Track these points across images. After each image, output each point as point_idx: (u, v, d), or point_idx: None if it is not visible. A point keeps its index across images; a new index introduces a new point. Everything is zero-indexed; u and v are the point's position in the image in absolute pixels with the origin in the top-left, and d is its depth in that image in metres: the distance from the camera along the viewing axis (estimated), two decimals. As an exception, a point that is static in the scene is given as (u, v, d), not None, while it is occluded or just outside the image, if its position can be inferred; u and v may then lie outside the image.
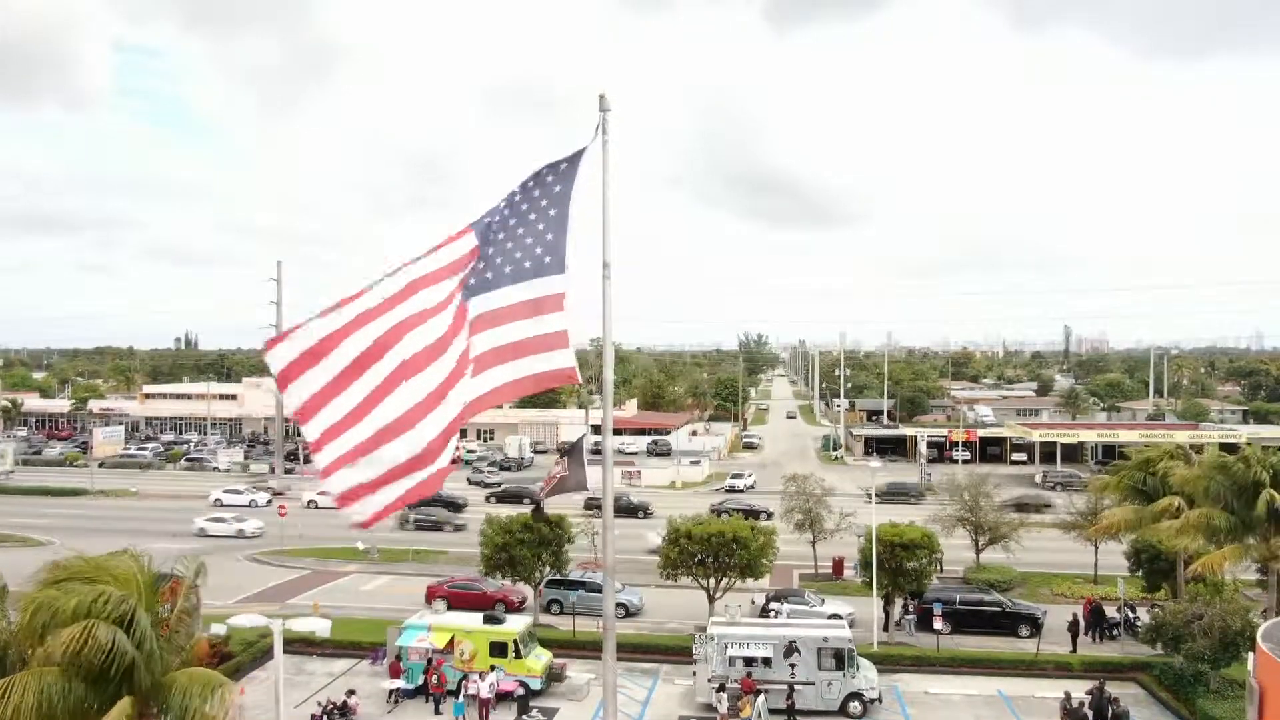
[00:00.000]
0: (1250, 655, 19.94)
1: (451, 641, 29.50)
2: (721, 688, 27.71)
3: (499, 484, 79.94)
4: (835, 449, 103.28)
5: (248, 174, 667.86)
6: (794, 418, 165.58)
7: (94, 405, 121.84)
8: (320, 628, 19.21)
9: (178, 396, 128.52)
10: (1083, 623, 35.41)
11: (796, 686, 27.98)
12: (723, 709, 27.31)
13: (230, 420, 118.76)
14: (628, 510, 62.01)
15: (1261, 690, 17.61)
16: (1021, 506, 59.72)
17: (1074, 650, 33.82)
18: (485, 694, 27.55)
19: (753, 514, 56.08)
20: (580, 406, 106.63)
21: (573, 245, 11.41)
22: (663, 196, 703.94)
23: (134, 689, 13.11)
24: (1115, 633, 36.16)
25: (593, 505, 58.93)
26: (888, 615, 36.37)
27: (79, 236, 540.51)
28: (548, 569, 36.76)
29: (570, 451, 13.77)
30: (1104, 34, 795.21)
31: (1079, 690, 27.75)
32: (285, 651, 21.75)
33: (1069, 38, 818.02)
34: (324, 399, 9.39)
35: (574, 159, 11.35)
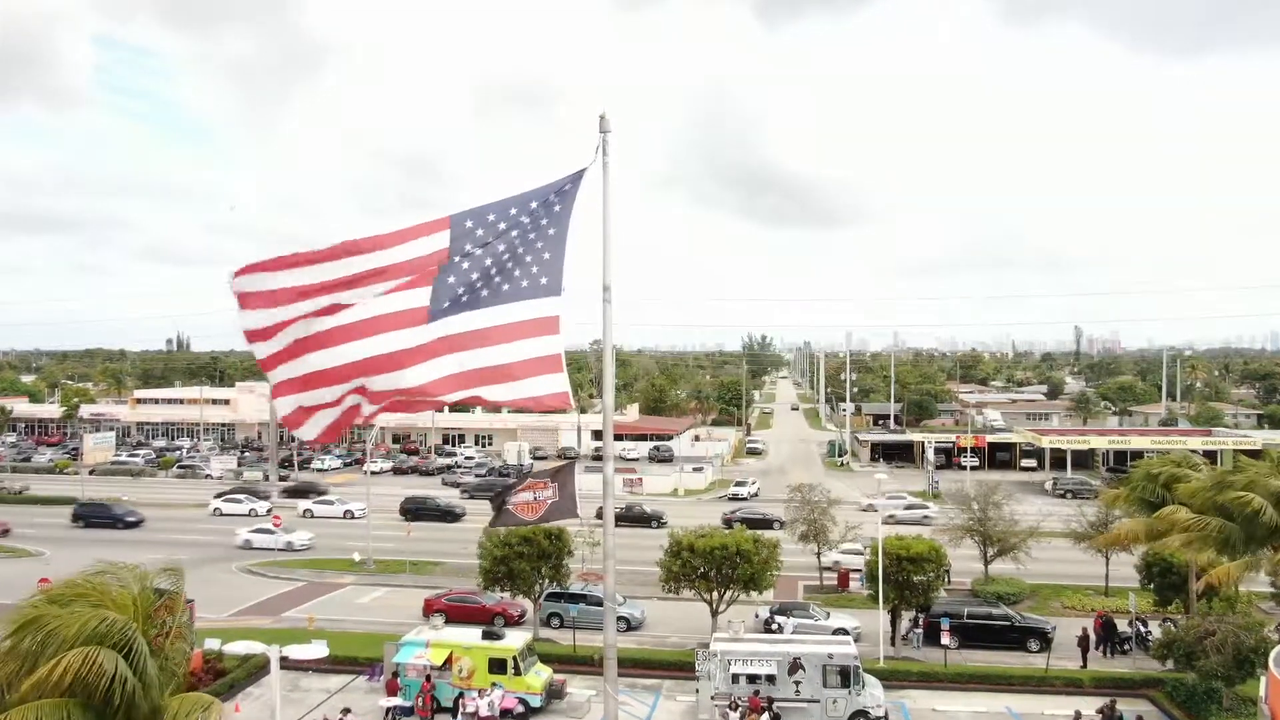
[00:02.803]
0: (1263, 676, 20.03)
1: (450, 658, 29.58)
2: (734, 705, 27.79)
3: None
4: (841, 455, 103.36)
5: (237, 173, 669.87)
6: (797, 409, 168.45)
7: (84, 411, 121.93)
8: (317, 651, 19.30)
9: (169, 401, 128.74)
10: (1093, 637, 35.48)
11: (801, 705, 28.09)
12: (728, 727, 27.39)
13: (223, 425, 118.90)
14: (640, 519, 61.93)
15: (1273, 716, 17.68)
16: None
17: (1084, 665, 33.88)
18: (485, 712, 27.64)
19: (765, 523, 56.19)
20: (581, 411, 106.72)
21: (568, 266, 11.56)
22: (659, 196, 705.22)
23: (132, 717, 13.17)
24: (1126, 648, 36.21)
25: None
26: (894, 629, 36.44)
27: (66, 237, 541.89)
28: (547, 581, 36.91)
29: (559, 475, 13.61)
30: (1098, 29, 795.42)
31: (1089, 709, 27.82)
32: (280, 666, 21.88)
33: (1063, 32, 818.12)
34: (274, 336, 10.39)
35: (575, 178, 11.44)
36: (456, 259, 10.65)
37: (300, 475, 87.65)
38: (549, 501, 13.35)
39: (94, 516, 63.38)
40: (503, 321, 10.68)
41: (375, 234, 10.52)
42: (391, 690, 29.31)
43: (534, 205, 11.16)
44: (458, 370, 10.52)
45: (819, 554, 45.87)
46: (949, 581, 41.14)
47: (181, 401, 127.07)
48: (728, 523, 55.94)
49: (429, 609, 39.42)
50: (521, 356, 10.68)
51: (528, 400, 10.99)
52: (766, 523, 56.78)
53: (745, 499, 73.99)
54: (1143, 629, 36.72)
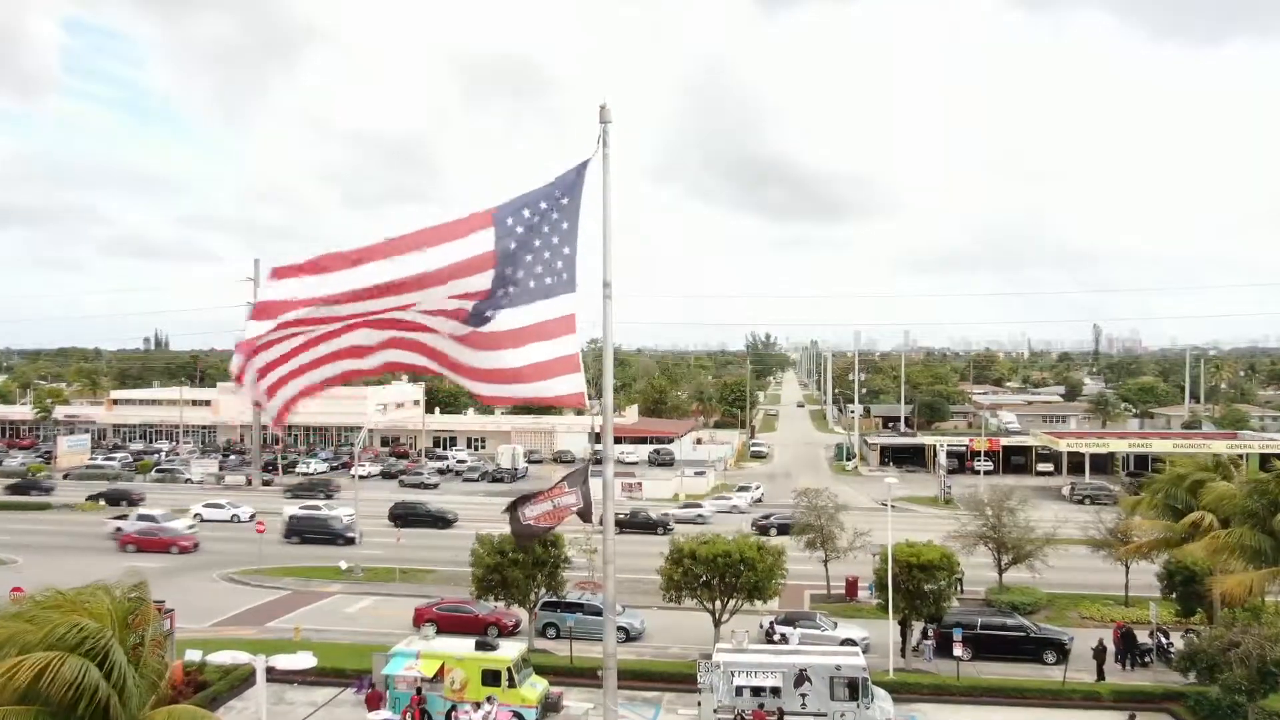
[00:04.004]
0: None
1: (441, 670, 29.66)
2: (738, 718, 27.89)
3: (435, 485, 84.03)
4: (849, 459, 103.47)
5: (214, 162, 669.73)
6: (802, 406, 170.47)
7: (58, 412, 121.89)
8: (305, 662, 19.42)
9: (147, 402, 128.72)
10: (1113, 649, 35.54)
11: (807, 718, 28.18)
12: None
13: (204, 428, 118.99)
14: (645, 526, 62.00)
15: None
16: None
17: (1099, 678, 33.93)
18: (478, 726, 27.70)
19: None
20: (578, 413, 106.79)
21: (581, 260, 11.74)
22: (655, 189, 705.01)
23: (109, 730, 13.23)
24: (1147, 659, 36.32)
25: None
26: (905, 640, 36.53)
27: (32, 230, 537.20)
28: (543, 590, 37.00)
29: (573, 478, 13.70)
30: (1116, 16, 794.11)
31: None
32: (266, 678, 21.95)
33: (1080, 20, 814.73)
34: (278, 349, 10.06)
35: (579, 170, 11.57)
36: (512, 245, 10.64)
37: (285, 480, 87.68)
38: (570, 507, 13.45)
39: (308, 531, 59.19)
40: (529, 321, 10.91)
41: (418, 229, 10.25)
42: (373, 703, 29.35)
43: (551, 193, 11.28)
44: (485, 368, 10.77)
45: (826, 562, 45.99)
46: (962, 590, 41.24)
47: (160, 403, 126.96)
48: (762, 529, 55.89)
49: (420, 619, 39.44)
50: (543, 357, 10.90)
51: (545, 399, 11.28)
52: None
53: (750, 503, 74.07)
54: (1164, 640, 36.82)
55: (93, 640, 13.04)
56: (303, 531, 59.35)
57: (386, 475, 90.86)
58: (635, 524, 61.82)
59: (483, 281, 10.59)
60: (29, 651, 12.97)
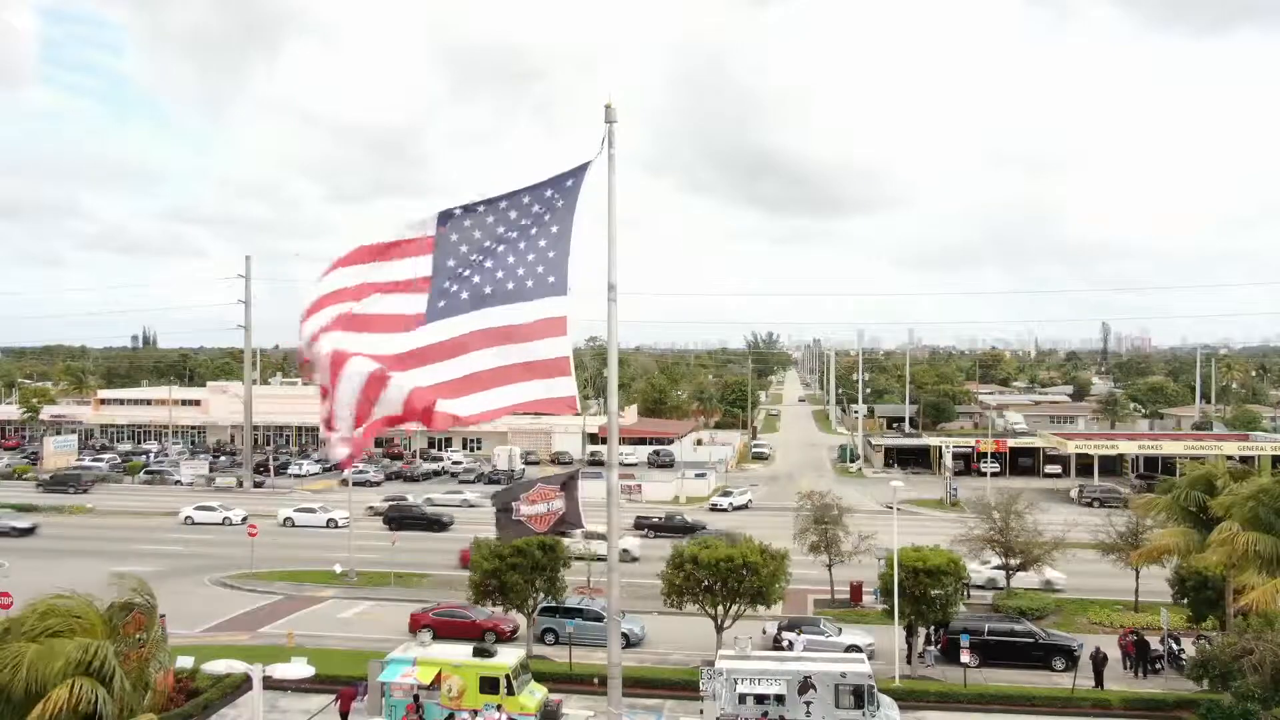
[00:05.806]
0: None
1: (438, 677, 29.69)
2: None
3: (378, 484, 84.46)
4: (853, 460, 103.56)
5: (197, 156, 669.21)
6: (804, 401, 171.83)
7: (45, 412, 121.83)
8: (302, 671, 19.49)
9: (136, 402, 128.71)
10: (1122, 656, 35.58)
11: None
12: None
13: (194, 428, 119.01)
14: (681, 529, 61.42)
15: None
16: None
17: (1096, 685, 33.86)
18: (477, 734, 27.76)
19: None
20: (576, 413, 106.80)
21: (573, 263, 11.70)
22: (648, 181, 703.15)
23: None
24: (1158, 666, 36.37)
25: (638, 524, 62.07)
26: (910, 646, 36.61)
27: (10, 225, 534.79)
28: (542, 596, 37.05)
29: (566, 484, 13.78)
30: (1119, 3, 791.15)
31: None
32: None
33: (1082, 8, 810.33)
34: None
35: (578, 173, 11.51)
36: (450, 262, 10.80)
37: (277, 481, 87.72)
38: (559, 513, 13.51)
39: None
40: (509, 323, 10.81)
41: (376, 242, 10.94)
42: (345, 701, 29.31)
43: (524, 197, 11.25)
44: (462, 375, 10.65)
45: (830, 565, 46.07)
46: (968, 595, 41.31)
47: (149, 402, 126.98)
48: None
49: (415, 624, 39.48)
50: (528, 359, 10.80)
51: (534, 405, 11.16)
52: None
53: (725, 510, 73.56)
54: (1175, 647, 36.87)
55: (97, 659, 13.32)
56: None
57: (381, 476, 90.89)
58: (672, 528, 61.79)
59: (423, 266, 10.80)
60: (45, 673, 13.34)
